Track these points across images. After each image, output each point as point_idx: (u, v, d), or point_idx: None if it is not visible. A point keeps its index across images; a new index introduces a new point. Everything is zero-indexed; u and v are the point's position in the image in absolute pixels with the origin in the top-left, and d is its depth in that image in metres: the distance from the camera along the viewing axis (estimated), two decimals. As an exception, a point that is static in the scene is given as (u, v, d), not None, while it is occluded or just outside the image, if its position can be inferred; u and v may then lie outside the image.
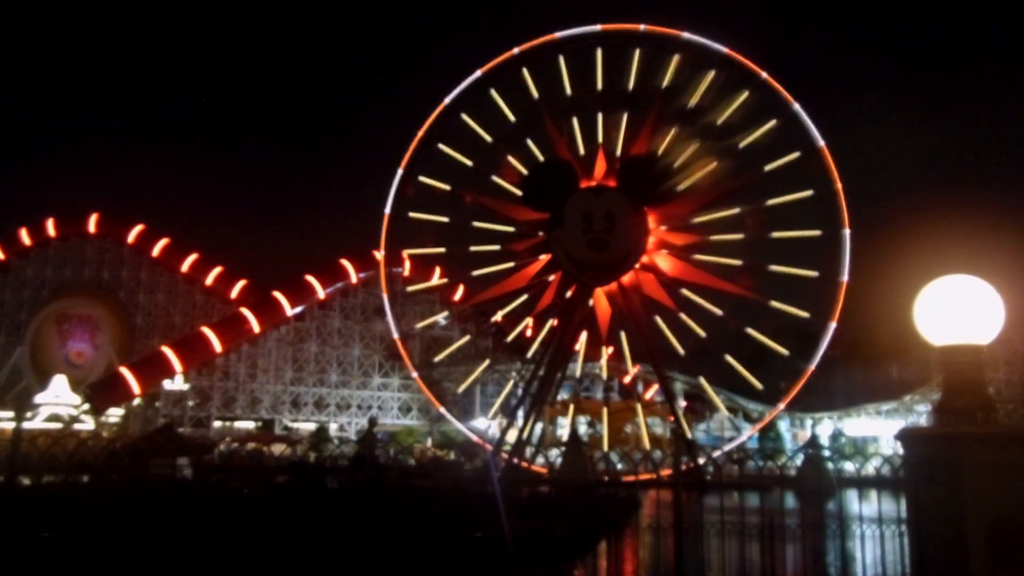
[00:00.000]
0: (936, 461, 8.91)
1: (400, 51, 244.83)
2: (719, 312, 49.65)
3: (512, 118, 53.19)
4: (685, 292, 50.39)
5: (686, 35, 51.02)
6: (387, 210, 54.61)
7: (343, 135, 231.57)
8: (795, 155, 49.25)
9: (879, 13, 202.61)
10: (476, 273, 55.40)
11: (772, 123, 49.61)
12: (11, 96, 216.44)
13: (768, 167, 49.81)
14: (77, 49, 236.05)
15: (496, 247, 53.54)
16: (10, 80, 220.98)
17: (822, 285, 48.51)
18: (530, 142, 52.80)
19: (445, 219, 54.25)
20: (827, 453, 49.04)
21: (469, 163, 53.59)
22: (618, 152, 51.22)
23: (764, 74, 49.94)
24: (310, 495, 20.35)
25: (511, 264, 53.05)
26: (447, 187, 53.85)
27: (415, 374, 58.31)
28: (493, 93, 53.37)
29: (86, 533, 14.02)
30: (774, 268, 49.48)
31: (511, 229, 53.16)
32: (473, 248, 54.18)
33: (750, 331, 49.39)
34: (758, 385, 50.24)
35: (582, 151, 51.89)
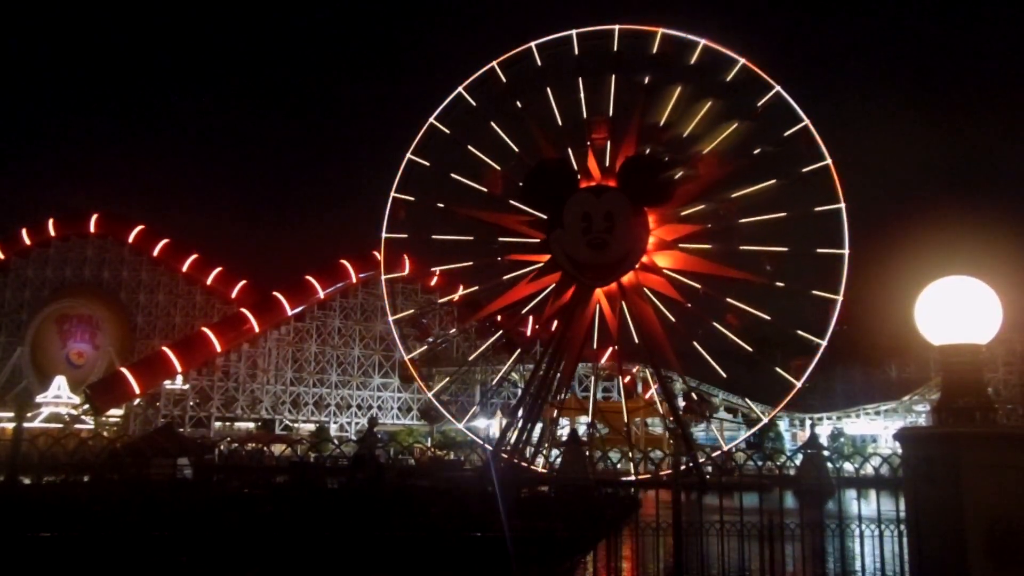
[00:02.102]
0: (935, 461, 8.93)
1: (400, 49, 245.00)
2: (729, 300, 49.36)
3: (497, 128, 53.52)
4: (690, 283, 50.34)
5: (663, 31, 51.27)
6: (383, 234, 55.12)
7: (343, 134, 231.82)
8: (787, 133, 49.38)
9: (876, 14, 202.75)
10: (477, 288, 56.04)
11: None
12: (12, 96, 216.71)
13: (757, 150, 50.13)
14: (77, 49, 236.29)
15: (496, 258, 53.76)
16: (11, 80, 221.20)
17: (825, 263, 48.65)
18: (518, 149, 52.97)
19: (441, 236, 54.83)
20: (826, 453, 48.78)
21: (460, 177, 53.74)
22: (607, 153, 51.30)
23: (743, 59, 50.14)
24: (310, 495, 20.36)
25: (514, 274, 53.14)
26: (440, 204, 54.13)
27: (430, 394, 58.62)
28: (476, 105, 53.63)
29: (86, 533, 14.03)
30: (779, 250, 49.01)
31: (509, 239, 53.25)
32: (472, 262, 54.71)
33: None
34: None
35: (572, 154, 52.16)
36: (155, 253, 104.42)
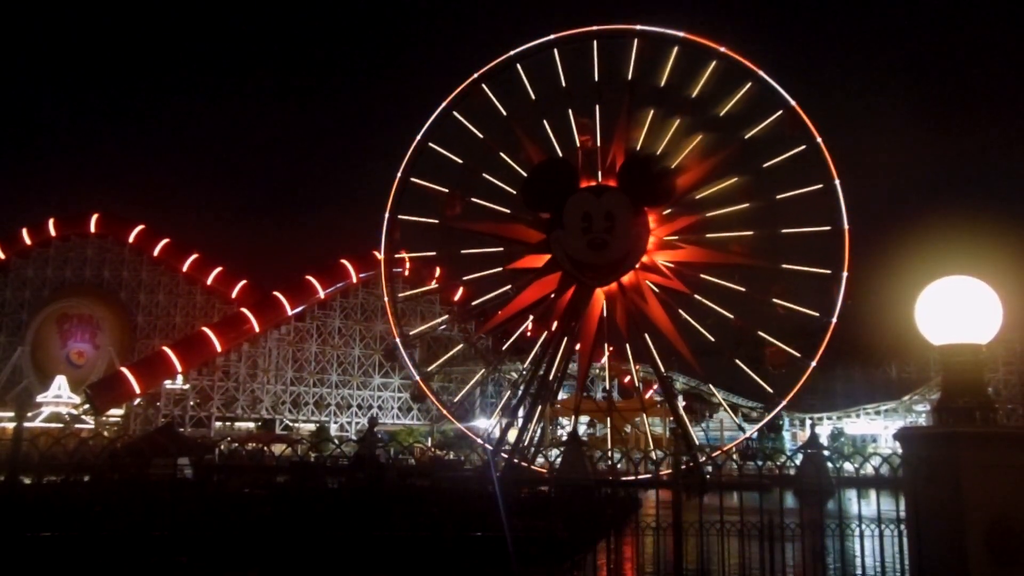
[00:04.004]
0: (935, 461, 8.92)
1: (400, 51, 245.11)
2: (739, 288, 49.38)
3: (484, 138, 53.92)
4: (696, 274, 50.42)
5: (640, 27, 51.70)
6: (383, 254, 56.13)
7: (344, 134, 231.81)
8: (776, 116, 49.77)
9: (877, 14, 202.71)
10: (481, 300, 56.46)
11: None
12: (12, 96, 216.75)
13: (748, 134, 50.38)
14: (78, 48, 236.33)
15: (497, 269, 54.13)
16: (11, 80, 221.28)
17: (827, 239, 48.92)
18: (509, 159, 53.32)
19: (439, 253, 55.98)
20: (826, 453, 48.63)
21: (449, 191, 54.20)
22: (598, 155, 51.50)
23: (723, 48, 50.59)
24: (310, 495, 20.36)
25: (511, 285, 53.44)
26: (435, 220, 54.53)
27: (445, 411, 58.84)
28: (461, 119, 54.16)
29: (87, 533, 14.04)
30: (781, 230, 49.37)
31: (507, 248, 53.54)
32: (475, 276, 55.63)
33: (776, 300, 48.70)
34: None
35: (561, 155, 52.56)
36: (155, 253, 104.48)
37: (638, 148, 51.47)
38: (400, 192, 54.35)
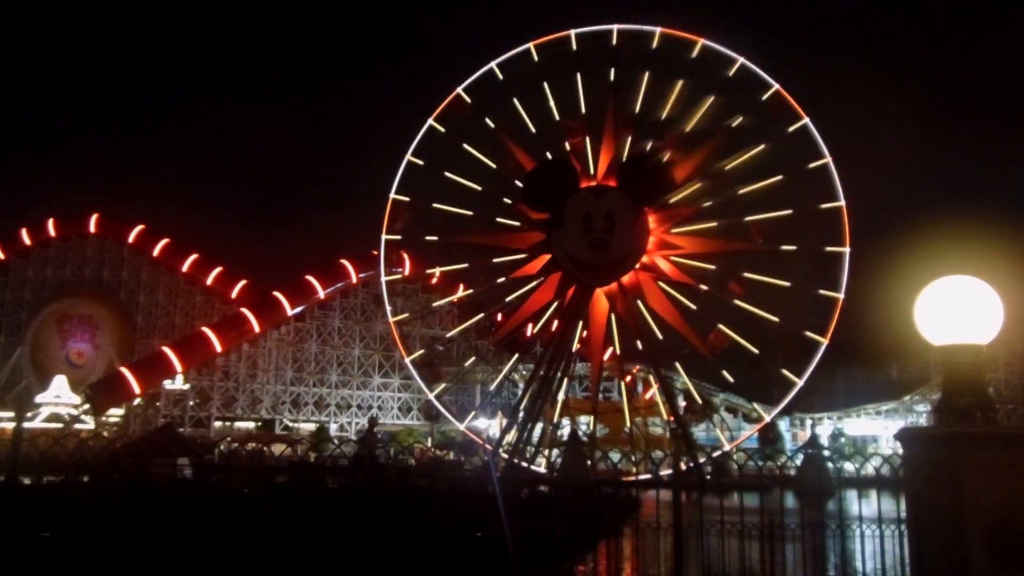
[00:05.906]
0: (936, 461, 8.92)
1: (399, 49, 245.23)
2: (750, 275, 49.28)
3: (474, 151, 53.74)
4: (699, 265, 50.38)
5: (618, 27, 51.62)
6: (383, 278, 56.39)
7: (343, 134, 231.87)
8: (763, 98, 49.75)
9: (878, 12, 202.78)
10: (482, 316, 56.45)
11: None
12: (12, 96, 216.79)
13: (735, 123, 50.26)
14: (77, 48, 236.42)
15: (502, 278, 54.07)
16: (11, 80, 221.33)
17: (824, 221, 49.15)
18: (497, 167, 53.20)
19: (439, 268, 56.79)
20: (827, 453, 48.65)
21: (444, 206, 54.16)
22: (589, 155, 51.49)
23: (702, 40, 50.59)
24: (310, 495, 20.36)
25: (518, 292, 53.38)
26: (434, 238, 54.52)
27: (461, 426, 58.91)
28: (447, 131, 53.91)
29: (86, 533, 14.03)
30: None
31: (512, 258, 53.43)
32: (471, 292, 56.10)
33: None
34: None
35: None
36: (155, 253, 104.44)
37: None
38: (394, 210, 54.31)
